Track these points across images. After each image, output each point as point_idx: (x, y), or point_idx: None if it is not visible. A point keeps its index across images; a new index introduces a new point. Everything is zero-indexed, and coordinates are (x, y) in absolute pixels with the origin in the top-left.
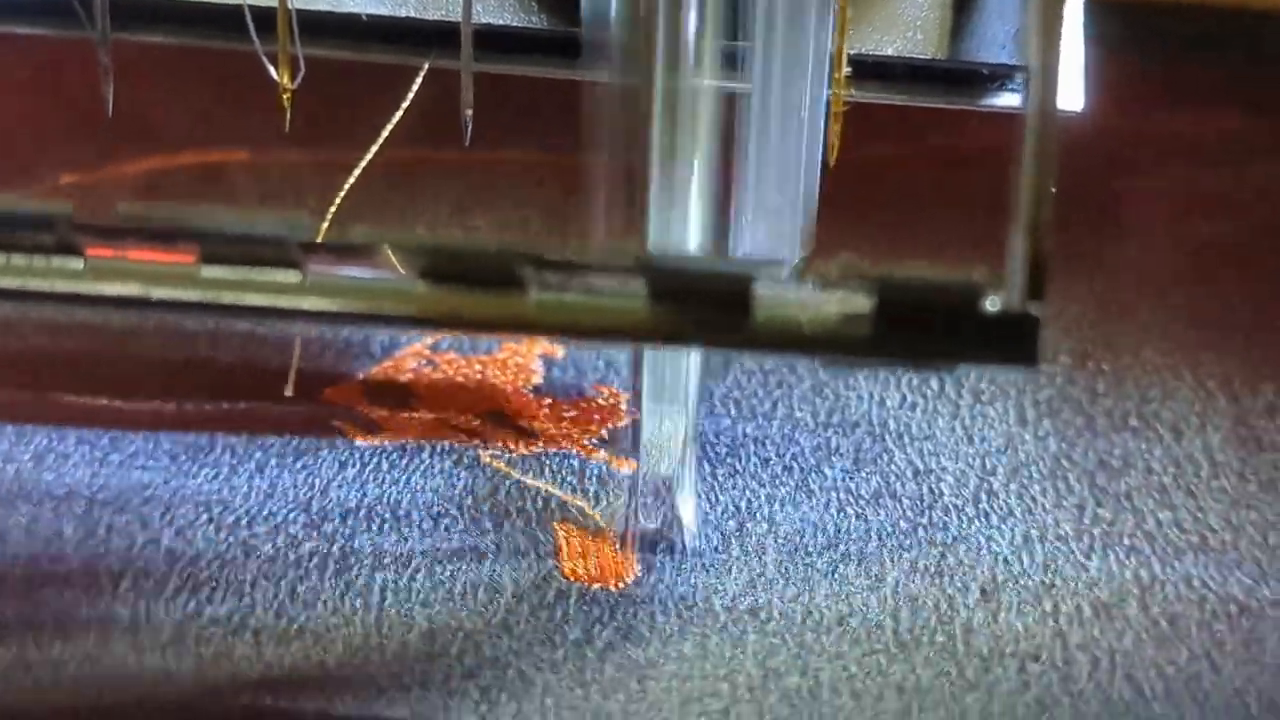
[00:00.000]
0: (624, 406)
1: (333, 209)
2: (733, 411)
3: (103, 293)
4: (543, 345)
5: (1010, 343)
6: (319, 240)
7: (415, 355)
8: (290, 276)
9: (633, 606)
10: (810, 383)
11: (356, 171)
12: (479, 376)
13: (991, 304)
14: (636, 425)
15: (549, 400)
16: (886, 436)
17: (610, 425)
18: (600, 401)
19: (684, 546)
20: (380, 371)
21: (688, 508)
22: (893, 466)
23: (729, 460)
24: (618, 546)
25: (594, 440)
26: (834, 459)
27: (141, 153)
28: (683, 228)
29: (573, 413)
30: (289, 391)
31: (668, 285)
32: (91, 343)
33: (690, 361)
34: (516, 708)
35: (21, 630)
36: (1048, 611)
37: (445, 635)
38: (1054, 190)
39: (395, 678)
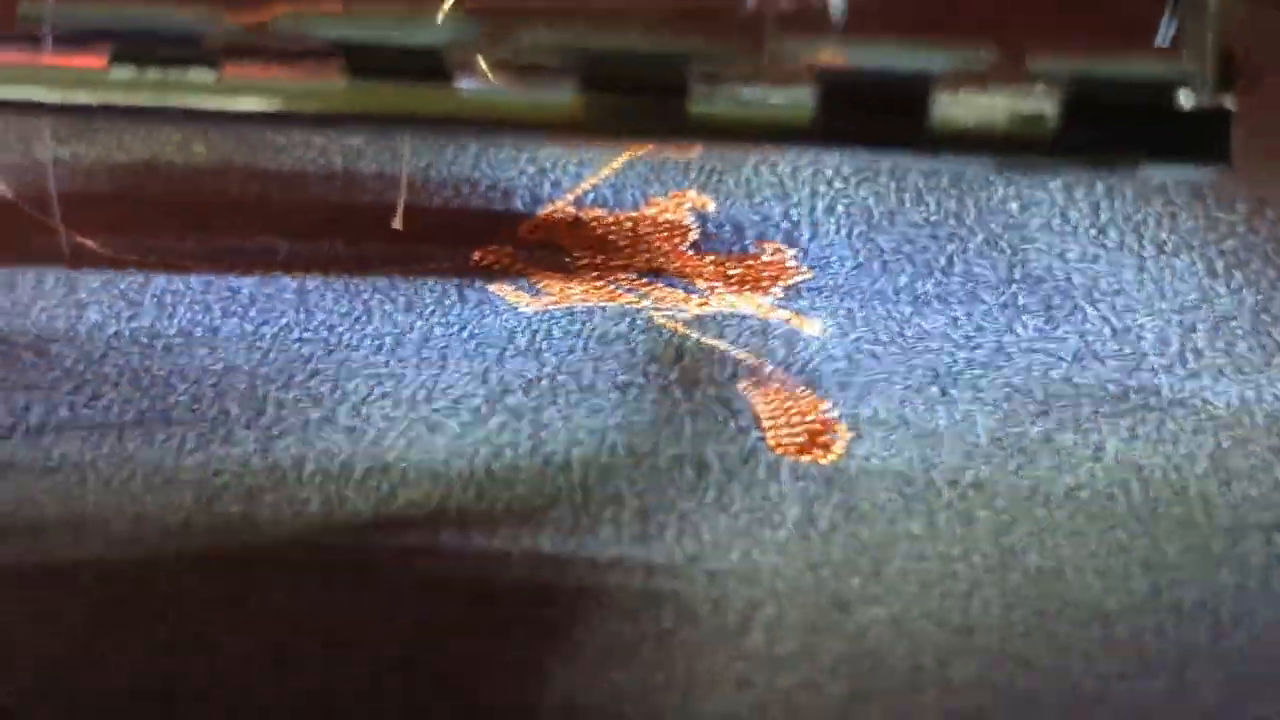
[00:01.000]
0: (792, 263)
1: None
2: (908, 267)
3: (239, 109)
4: (691, 198)
5: (1202, 141)
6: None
7: (560, 211)
8: (444, 88)
9: (849, 481)
10: (983, 235)
11: None
12: (631, 233)
13: (1185, 98)
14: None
15: (711, 256)
16: (1075, 292)
17: (783, 282)
18: (766, 258)
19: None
20: (528, 229)
21: None
22: (1088, 324)
23: (915, 321)
24: (821, 403)
25: (769, 299)
26: (1025, 317)
27: None
28: None
29: (739, 269)
30: (397, 224)
31: (837, 91)
32: (213, 191)
33: None
34: (748, 594)
35: (207, 513)
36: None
37: (660, 516)
38: None
39: (615, 562)
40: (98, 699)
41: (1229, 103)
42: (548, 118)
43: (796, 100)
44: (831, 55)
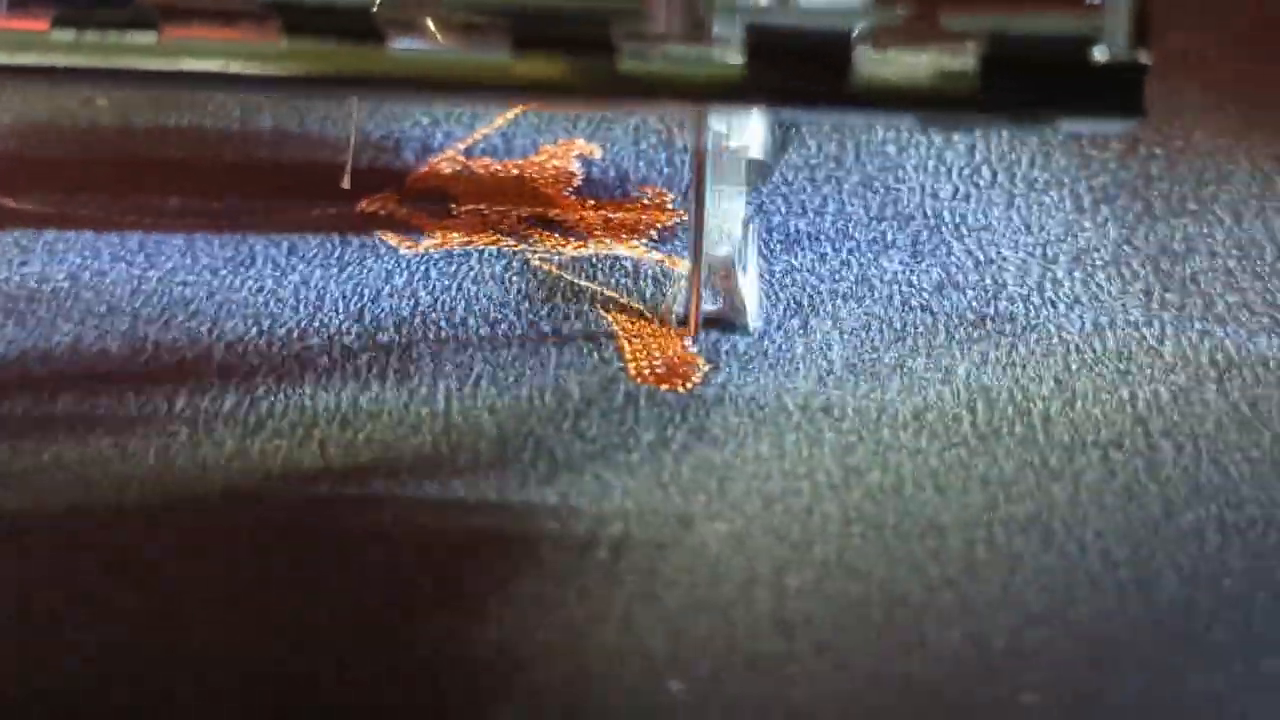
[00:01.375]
0: (670, 205)
1: None
2: (783, 208)
3: (179, 69)
4: (579, 146)
5: (1117, 93)
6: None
7: (450, 160)
8: (373, 49)
9: (704, 407)
10: (859, 176)
11: None
12: (518, 180)
13: (1100, 53)
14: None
15: (593, 201)
16: (943, 228)
17: (659, 225)
18: (646, 201)
19: (746, 328)
20: (416, 177)
21: (750, 290)
22: (952, 258)
23: (784, 257)
24: (682, 336)
25: (644, 241)
26: (891, 252)
27: None
28: None
29: (619, 214)
30: (345, 184)
31: (765, 44)
32: (114, 149)
33: (751, 137)
34: (597, 511)
35: (79, 448)
36: (1125, 399)
37: (516, 441)
38: None
39: (470, 486)
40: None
41: (1143, 57)
42: (481, 78)
43: (724, 58)
44: (757, 13)
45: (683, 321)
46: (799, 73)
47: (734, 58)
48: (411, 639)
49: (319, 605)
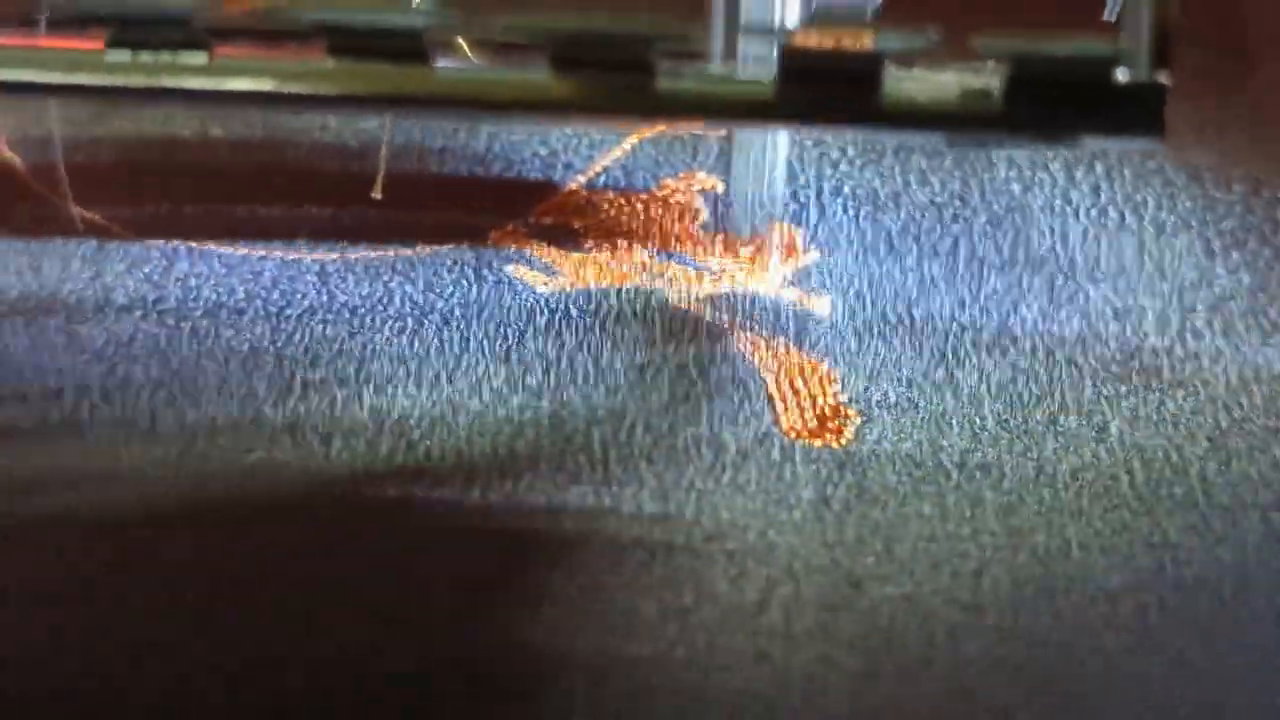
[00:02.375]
0: (801, 244)
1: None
2: (915, 250)
3: (228, 89)
4: (700, 179)
5: (1138, 113)
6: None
7: (574, 195)
8: (421, 68)
9: (860, 465)
10: (986, 217)
11: None
12: (643, 214)
13: (1122, 74)
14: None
15: (722, 237)
16: (1077, 274)
17: (792, 262)
18: (775, 239)
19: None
20: (542, 211)
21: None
22: (1090, 306)
23: (922, 302)
24: (832, 382)
25: (778, 279)
26: (1028, 298)
27: None
28: None
29: (749, 249)
30: (377, 194)
31: (796, 68)
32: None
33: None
34: (765, 573)
35: (233, 495)
36: (1278, 459)
37: (678, 496)
38: None
39: (636, 541)
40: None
41: (1163, 78)
42: (521, 96)
43: (758, 78)
44: (792, 35)
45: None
46: (829, 92)
47: (767, 78)
48: None
49: None
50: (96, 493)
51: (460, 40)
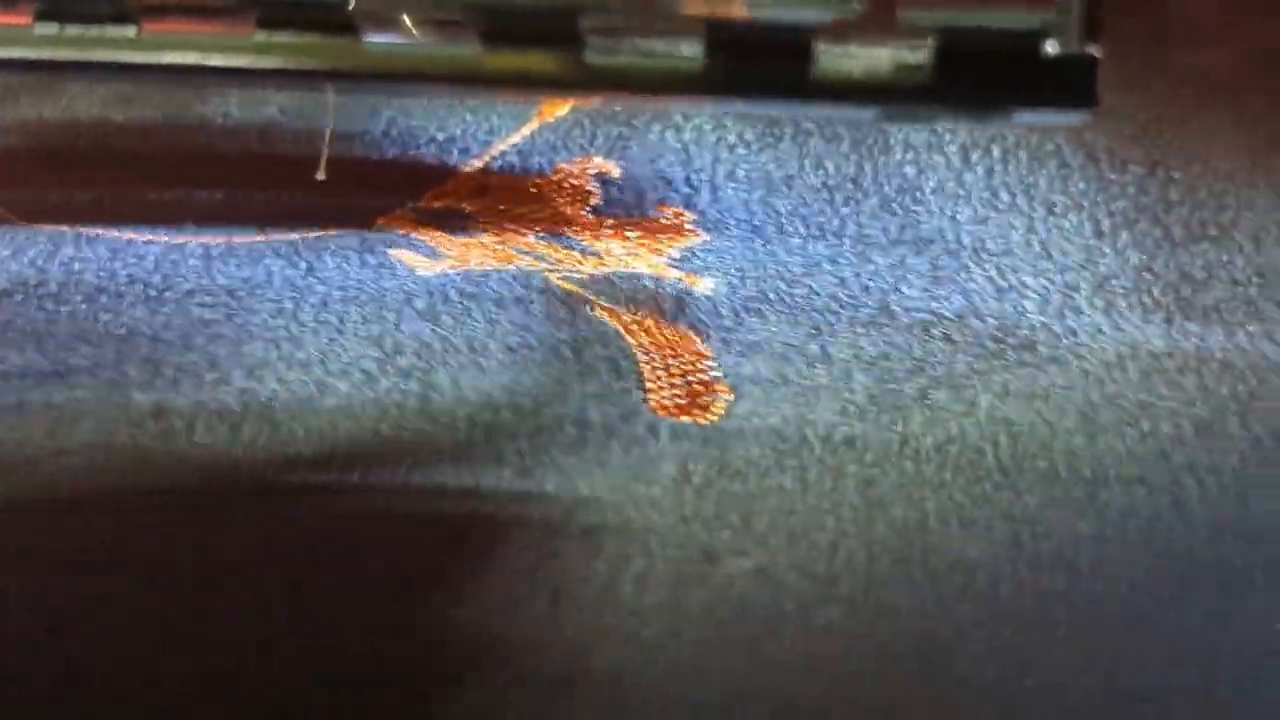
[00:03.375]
0: (690, 226)
1: None
2: (803, 229)
3: (158, 62)
4: (597, 164)
5: (1069, 86)
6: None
7: (466, 178)
8: (348, 41)
9: (725, 440)
10: (878, 198)
11: None
12: (535, 198)
13: (1051, 46)
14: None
15: (611, 220)
16: (963, 253)
17: (679, 244)
18: (665, 221)
19: None
20: (432, 195)
21: None
22: (973, 284)
23: (804, 280)
24: (703, 358)
25: (665, 259)
26: (911, 277)
27: None
28: None
29: (637, 232)
30: (321, 175)
31: (724, 42)
32: (109, 146)
33: None
34: (619, 547)
35: (97, 480)
36: (1147, 432)
37: (539, 473)
38: None
39: (491, 519)
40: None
41: (1094, 50)
42: (450, 71)
43: (688, 52)
44: (720, 7)
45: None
46: (759, 67)
47: (697, 51)
48: None
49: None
50: None
51: (404, 17)
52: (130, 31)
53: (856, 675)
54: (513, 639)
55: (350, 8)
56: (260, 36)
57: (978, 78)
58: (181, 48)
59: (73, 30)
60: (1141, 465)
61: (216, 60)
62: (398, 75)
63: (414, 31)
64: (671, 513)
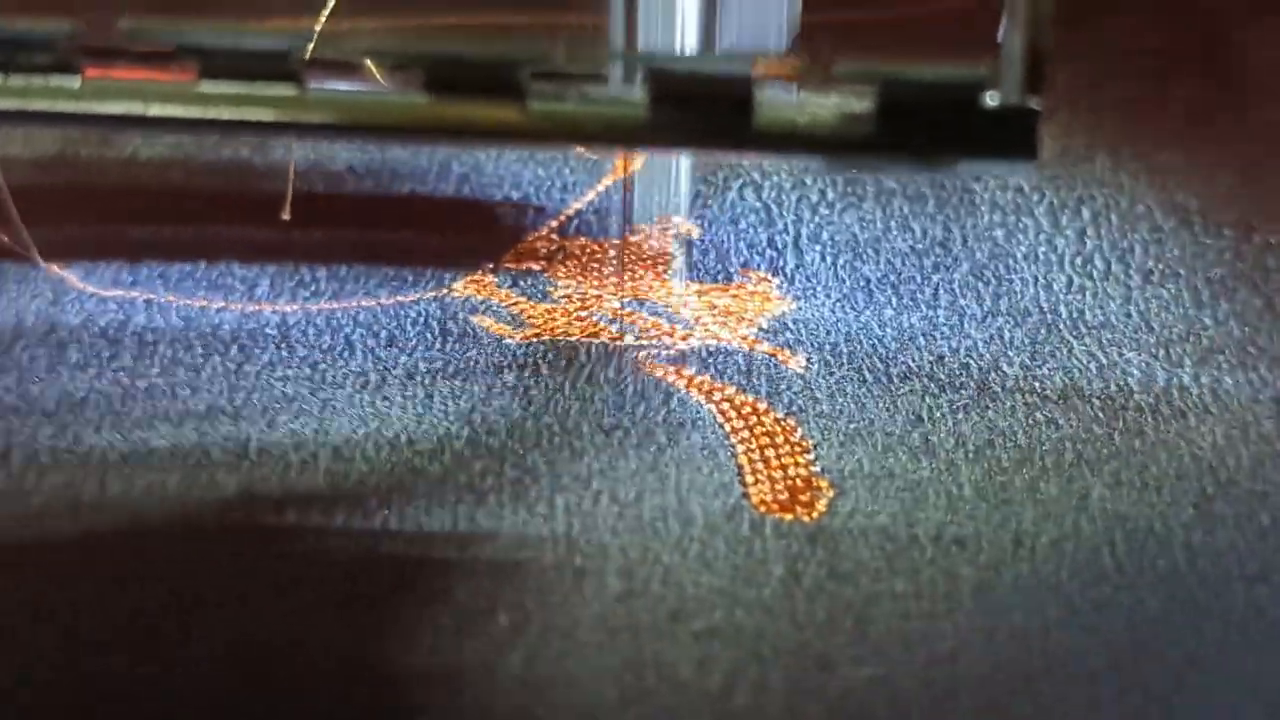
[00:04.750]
0: (776, 294)
1: (323, 16)
2: (894, 300)
3: (101, 111)
4: (677, 224)
5: (1010, 138)
6: (309, 55)
7: (543, 240)
8: (290, 90)
9: (832, 539)
10: (969, 265)
11: None
12: (615, 260)
13: (991, 98)
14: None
15: (697, 287)
16: (1060, 325)
17: (768, 313)
18: (750, 288)
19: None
20: (513, 257)
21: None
22: (1074, 360)
23: (901, 358)
24: (803, 452)
25: (754, 330)
26: (1010, 353)
27: None
28: (672, 19)
29: (724, 299)
30: (285, 215)
31: (667, 89)
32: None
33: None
34: (733, 655)
35: (180, 564)
36: (1265, 526)
37: (643, 572)
38: None
39: (600, 618)
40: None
41: (1035, 103)
42: (396, 119)
43: (632, 99)
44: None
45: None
46: (702, 115)
47: (640, 99)
48: None
49: None
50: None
51: (369, 64)
52: (74, 82)
53: None
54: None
55: (289, 56)
56: (204, 86)
57: (919, 129)
58: (123, 97)
59: (16, 81)
60: (1261, 562)
61: (157, 110)
62: (341, 125)
63: (391, 81)
64: (785, 619)
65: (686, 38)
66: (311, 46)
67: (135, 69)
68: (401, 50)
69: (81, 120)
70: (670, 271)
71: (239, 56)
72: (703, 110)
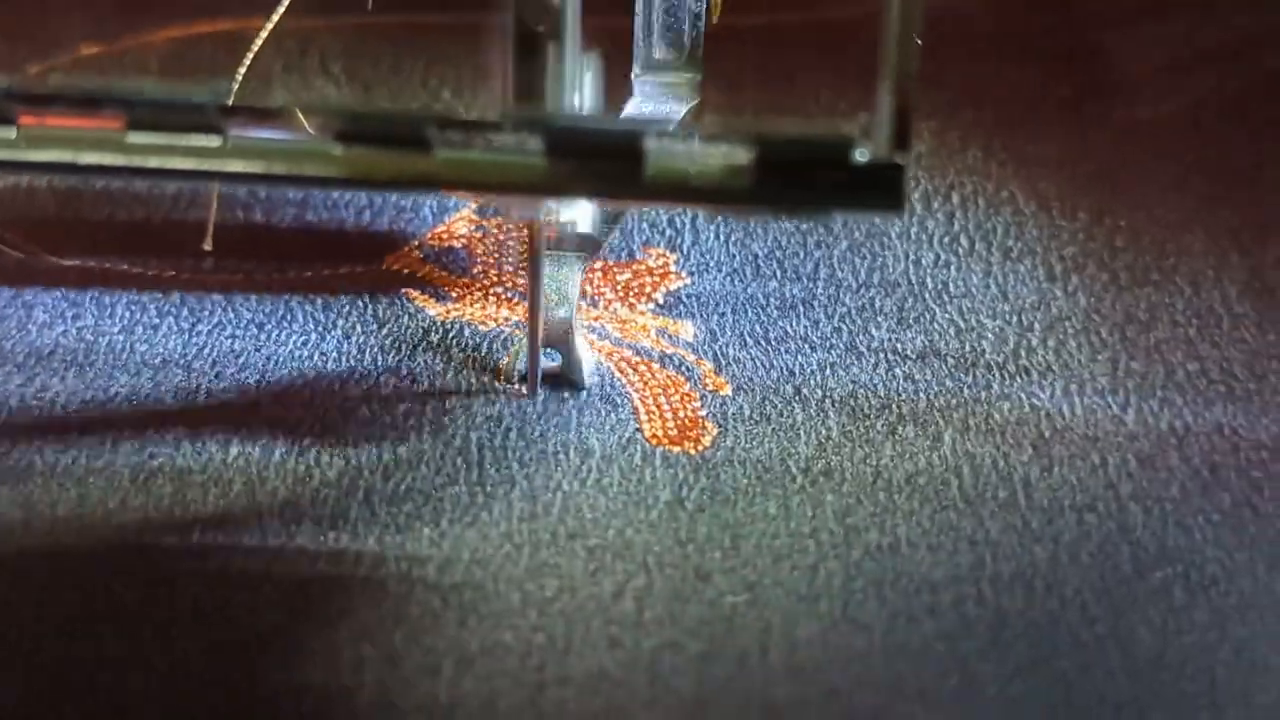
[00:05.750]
0: (674, 268)
1: (241, 71)
2: (779, 273)
3: (33, 159)
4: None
5: (878, 190)
6: (232, 104)
7: (465, 220)
8: (211, 140)
9: (714, 469)
10: (848, 243)
11: (260, 39)
12: (529, 240)
13: (860, 155)
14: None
15: (601, 264)
16: (926, 295)
17: (665, 288)
18: (651, 264)
19: (582, 384)
20: (434, 236)
21: (584, 350)
22: (935, 325)
23: (781, 323)
24: (690, 400)
25: (651, 306)
26: (879, 319)
27: (160, 23)
28: (581, 84)
29: (626, 275)
30: (207, 245)
31: (563, 142)
32: (142, 216)
33: (580, 214)
34: (623, 567)
35: (139, 494)
36: (1096, 464)
37: (545, 495)
38: (919, 44)
39: (505, 536)
40: None
41: (900, 158)
42: (309, 169)
43: (529, 150)
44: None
45: (523, 379)
46: (596, 167)
47: (539, 149)
48: None
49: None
50: None
51: (299, 114)
52: (10, 133)
53: (835, 684)
54: (500, 640)
55: (209, 108)
56: (130, 136)
57: (794, 181)
58: (56, 145)
59: None
60: (1091, 494)
61: (90, 158)
62: (255, 174)
63: (303, 123)
64: (669, 536)
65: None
66: (235, 90)
67: (68, 117)
68: (317, 103)
69: (16, 168)
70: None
71: (163, 108)
72: (596, 161)
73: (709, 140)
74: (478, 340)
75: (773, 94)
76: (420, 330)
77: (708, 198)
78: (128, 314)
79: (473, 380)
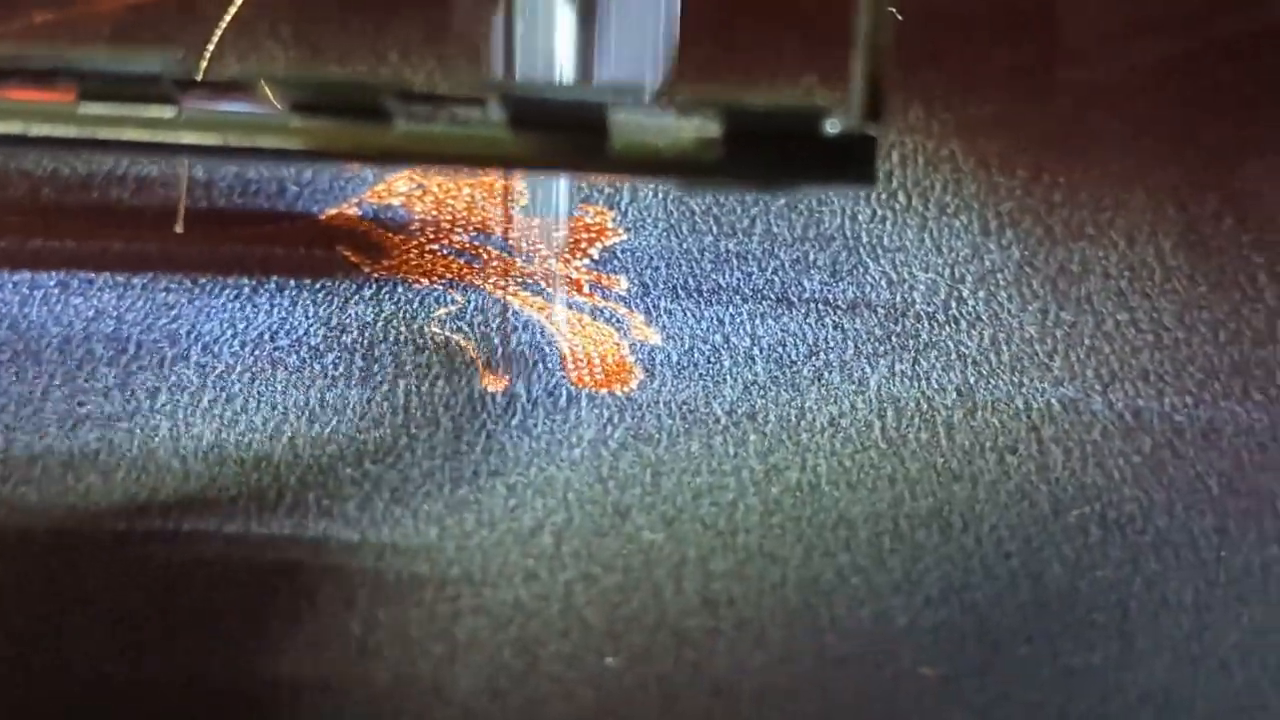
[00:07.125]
0: (610, 224)
1: (210, 45)
2: (714, 228)
3: None
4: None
5: (849, 163)
6: (199, 77)
7: (405, 179)
8: (165, 112)
9: (639, 410)
10: (785, 199)
11: (232, 10)
12: (469, 197)
13: (831, 126)
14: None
15: (538, 220)
16: (860, 249)
17: (601, 243)
18: (589, 220)
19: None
20: (374, 195)
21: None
22: (868, 277)
23: (714, 276)
24: (621, 346)
25: (585, 261)
26: (812, 271)
27: None
28: (550, 50)
29: (562, 233)
30: (179, 228)
31: (528, 114)
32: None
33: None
34: (542, 503)
35: (63, 441)
36: (1020, 409)
37: (470, 436)
38: (895, 14)
39: (426, 476)
40: None
41: (873, 130)
42: (265, 141)
43: (493, 122)
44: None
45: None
46: (561, 139)
47: (501, 123)
48: None
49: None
50: None
51: (264, 85)
52: None
53: (747, 615)
54: (419, 572)
55: (161, 78)
56: (81, 107)
57: (764, 153)
58: (6, 117)
59: None
60: (1013, 436)
61: (41, 130)
62: (209, 146)
63: (269, 97)
64: (590, 473)
65: (564, 70)
66: (204, 66)
67: (17, 89)
68: (276, 73)
69: None
70: (518, 206)
71: (114, 80)
72: (562, 134)
73: (678, 112)
74: (410, 296)
75: (744, 63)
76: (354, 286)
77: (677, 171)
78: (63, 270)
79: (403, 330)
